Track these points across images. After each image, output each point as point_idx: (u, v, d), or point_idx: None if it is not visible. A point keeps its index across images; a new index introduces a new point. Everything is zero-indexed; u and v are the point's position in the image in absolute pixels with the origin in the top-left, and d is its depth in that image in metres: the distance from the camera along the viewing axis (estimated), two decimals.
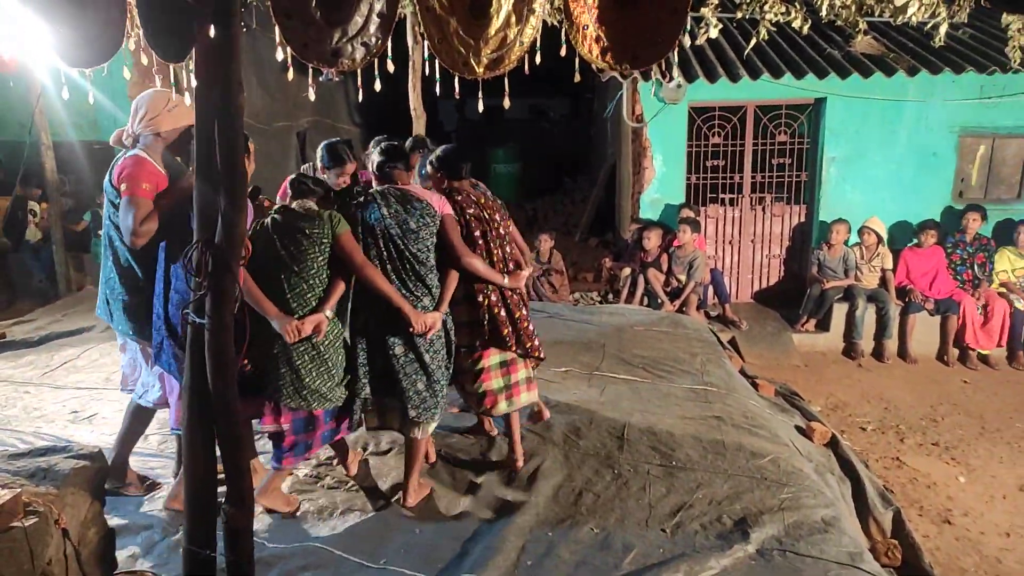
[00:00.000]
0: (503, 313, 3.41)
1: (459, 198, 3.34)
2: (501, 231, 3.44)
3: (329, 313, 3.06)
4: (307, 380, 3.02)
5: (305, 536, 3.09)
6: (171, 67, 3.25)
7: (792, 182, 7.97)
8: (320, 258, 3.01)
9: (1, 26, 3.95)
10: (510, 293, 3.44)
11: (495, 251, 3.40)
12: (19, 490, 2.24)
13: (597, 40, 2.23)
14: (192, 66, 2.28)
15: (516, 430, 3.63)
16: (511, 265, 3.46)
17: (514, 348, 3.46)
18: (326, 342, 3.06)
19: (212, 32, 2.17)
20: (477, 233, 3.36)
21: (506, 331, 3.42)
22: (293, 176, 3.12)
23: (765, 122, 7.74)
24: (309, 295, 3.00)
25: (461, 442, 3.90)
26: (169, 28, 2.25)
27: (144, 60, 3.13)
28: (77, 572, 2.31)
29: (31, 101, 6.63)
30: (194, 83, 2.22)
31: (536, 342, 3.55)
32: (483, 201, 3.42)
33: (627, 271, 7.57)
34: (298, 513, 3.26)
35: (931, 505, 4.46)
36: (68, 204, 7.91)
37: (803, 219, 8.06)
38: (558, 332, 5.91)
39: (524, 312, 3.53)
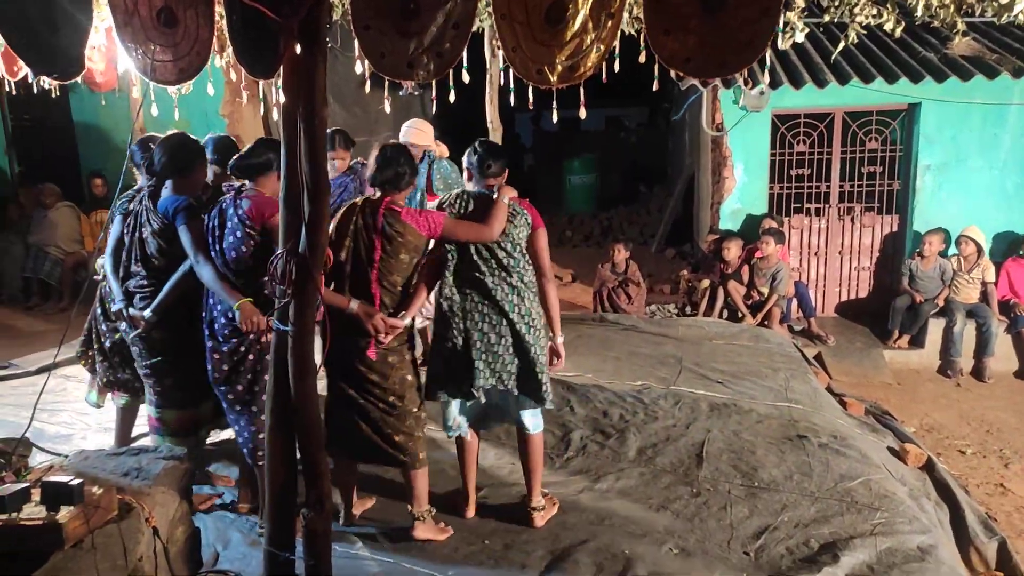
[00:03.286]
0: None
1: None
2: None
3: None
4: None
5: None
6: (260, 83, 3.39)
7: (883, 191, 7.63)
8: None
9: (95, 47, 4.22)
10: None
11: None
12: (113, 488, 2.37)
13: (680, 47, 2.18)
14: (280, 82, 2.37)
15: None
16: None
17: None
18: None
19: (298, 49, 2.25)
20: None
21: None
22: None
23: (854, 129, 7.45)
24: None
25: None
26: (258, 45, 2.34)
27: (234, 77, 3.28)
28: (166, 570, 2.41)
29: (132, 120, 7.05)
30: (282, 98, 2.30)
31: None
32: None
33: (706, 283, 7.41)
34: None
35: None
36: None
37: (895, 229, 7.70)
38: (633, 345, 5.84)
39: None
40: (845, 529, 3.18)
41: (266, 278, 2.46)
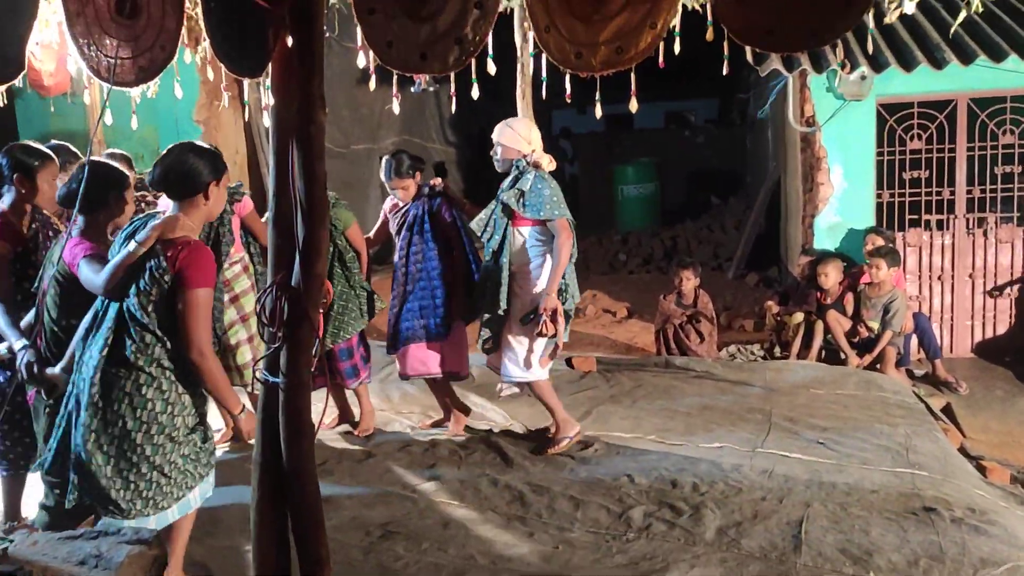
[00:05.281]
0: None
1: None
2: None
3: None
4: None
5: None
6: (244, 83, 3.51)
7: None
8: None
9: (41, 44, 4.40)
10: None
11: None
12: None
13: (758, 16, 2.19)
14: (268, 81, 2.45)
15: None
16: None
17: None
18: None
19: (290, 41, 2.33)
20: None
21: None
22: None
23: (983, 119, 7.43)
24: None
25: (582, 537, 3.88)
26: (242, 37, 2.43)
27: (211, 76, 3.40)
28: None
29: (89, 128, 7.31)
30: (271, 100, 2.39)
31: None
32: None
33: (799, 316, 7.37)
34: None
35: None
36: None
37: None
38: (708, 395, 5.82)
39: None
40: None
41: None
